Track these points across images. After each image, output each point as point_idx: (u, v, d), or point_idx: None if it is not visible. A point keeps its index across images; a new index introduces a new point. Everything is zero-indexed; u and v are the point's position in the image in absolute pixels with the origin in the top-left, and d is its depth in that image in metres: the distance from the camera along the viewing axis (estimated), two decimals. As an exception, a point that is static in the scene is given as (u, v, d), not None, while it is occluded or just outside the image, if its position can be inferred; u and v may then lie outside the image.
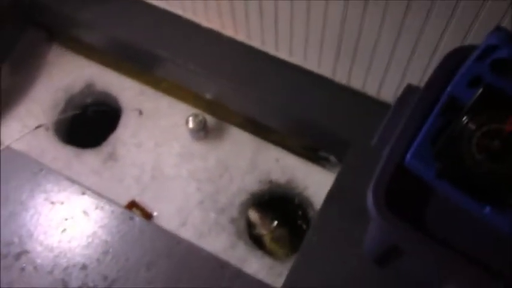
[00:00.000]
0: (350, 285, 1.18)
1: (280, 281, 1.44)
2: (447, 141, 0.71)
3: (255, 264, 1.47)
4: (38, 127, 1.61)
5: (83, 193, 1.35)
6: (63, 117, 1.62)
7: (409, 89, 0.91)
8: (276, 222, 1.54)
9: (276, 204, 1.58)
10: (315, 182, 1.56)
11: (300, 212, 1.58)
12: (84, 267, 1.25)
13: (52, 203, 1.34)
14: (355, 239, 1.21)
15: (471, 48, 0.83)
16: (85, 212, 1.33)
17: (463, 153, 0.69)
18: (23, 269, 1.27)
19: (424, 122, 0.85)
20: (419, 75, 1.19)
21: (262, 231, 1.53)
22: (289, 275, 1.23)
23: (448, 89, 0.84)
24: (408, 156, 0.83)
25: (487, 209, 0.78)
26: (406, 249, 0.89)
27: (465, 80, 0.80)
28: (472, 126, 0.68)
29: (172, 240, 1.26)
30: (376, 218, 0.82)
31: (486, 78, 0.75)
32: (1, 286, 1.24)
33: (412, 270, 1.10)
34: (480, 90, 0.66)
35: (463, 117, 0.68)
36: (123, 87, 1.72)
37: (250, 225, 1.55)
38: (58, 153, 1.61)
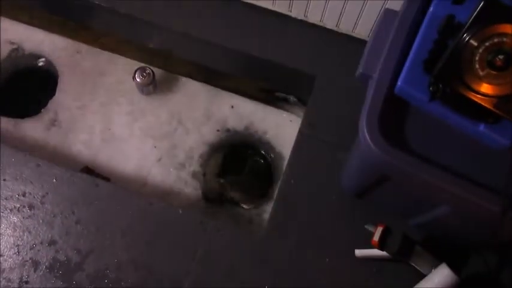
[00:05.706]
0: (334, 220, 1.18)
1: (252, 228, 1.43)
2: (447, 61, 0.69)
3: (224, 216, 1.45)
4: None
5: (38, 165, 1.23)
6: None
7: (387, 14, 0.89)
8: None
9: (237, 152, 1.55)
10: (274, 125, 1.53)
11: (262, 156, 1.55)
12: (52, 242, 1.17)
13: (4, 180, 1.22)
14: (331, 175, 1.21)
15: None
16: (43, 186, 1.23)
17: (465, 72, 0.68)
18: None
19: (409, 46, 0.83)
20: (380, 4, 1.17)
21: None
22: (270, 220, 1.21)
23: (431, 9, 0.82)
24: (399, 82, 0.81)
25: (481, 127, 0.79)
26: (399, 177, 0.90)
27: (450, -2, 0.78)
28: (473, 42, 0.66)
29: (144, 203, 1.20)
30: (371, 149, 0.81)
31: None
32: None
33: (393, 199, 1.12)
34: (481, 4, 0.64)
35: (464, 34, 0.66)
36: (56, 48, 1.58)
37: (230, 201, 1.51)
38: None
